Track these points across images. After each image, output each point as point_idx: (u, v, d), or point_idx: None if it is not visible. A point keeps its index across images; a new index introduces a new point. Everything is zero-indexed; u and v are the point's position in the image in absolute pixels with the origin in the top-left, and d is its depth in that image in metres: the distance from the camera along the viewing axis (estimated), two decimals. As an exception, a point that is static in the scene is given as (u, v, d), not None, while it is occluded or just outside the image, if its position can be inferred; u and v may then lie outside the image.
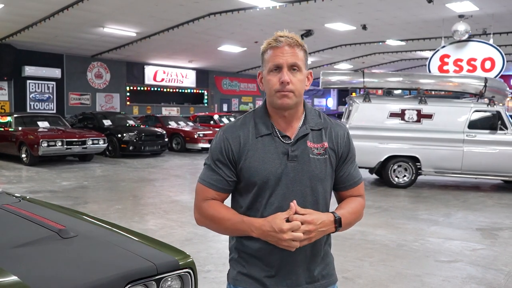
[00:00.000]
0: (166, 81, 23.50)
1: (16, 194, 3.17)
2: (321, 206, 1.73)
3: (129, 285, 1.91)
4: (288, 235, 1.56)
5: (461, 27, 13.58)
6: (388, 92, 10.67)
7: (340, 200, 1.84)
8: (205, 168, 1.78)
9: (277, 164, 1.68)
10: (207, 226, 1.78)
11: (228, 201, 1.82)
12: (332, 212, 1.69)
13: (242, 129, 1.74)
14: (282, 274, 1.72)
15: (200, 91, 25.46)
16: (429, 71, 14.35)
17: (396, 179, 9.57)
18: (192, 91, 25.04)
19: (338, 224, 1.67)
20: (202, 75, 25.28)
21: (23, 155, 12.53)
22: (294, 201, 1.62)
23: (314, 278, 1.76)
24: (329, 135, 1.75)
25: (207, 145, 16.22)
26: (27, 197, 3.14)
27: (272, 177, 1.68)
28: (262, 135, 1.71)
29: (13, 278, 1.78)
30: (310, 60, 21.30)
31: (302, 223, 1.58)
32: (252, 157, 1.70)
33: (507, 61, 14.29)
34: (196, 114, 21.65)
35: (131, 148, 14.53)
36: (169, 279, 2.06)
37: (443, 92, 11.04)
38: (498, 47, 13.88)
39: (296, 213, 1.60)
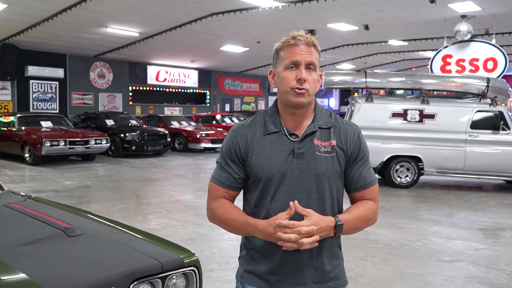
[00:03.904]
0: (168, 81, 23.52)
1: (22, 193, 3.20)
2: (328, 204, 1.72)
3: (135, 283, 1.93)
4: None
5: (463, 27, 13.57)
6: (390, 92, 10.68)
7: (352, 202, 1.82)
8: (217, 166, 1.83)
9: (282, 161, 1.70)
10: (217, 225, 1.82)
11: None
12: (335, 217, 1.67)
13: (250, 128, 1.78)
14: (286, 272, 1.72)
15: (202, 91, 25.48)
16: (431, 71, 14.34)
17: (398, 179, 9.58)
18: (194, 91, 25.06)
19: (338, 230, 1.65)
20: (205, 75, 25.29)
21: (26, 155, 12.57)
22: (296, 201, 1.61)
23: (322, 279, 1.75)
24: (338, 134, 1.75)
25: (210, 145, 16.26)
26: (33, 196, 3.17)
27: (276, 174, 1.70)
28: (269, 132, 1.74)
29: (22, 275, 1.81)
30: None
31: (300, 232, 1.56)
32: (258, 154, 1.73)
33: (509, 61, 14.27)
34: (198, 114, 21.67)
35: (133, 148, 14.56)
36: (174, 277, 2.08)
37: (445, 92, 11.03)
38: (500, 47, 13.86)
39: (296, 212, 1.60)
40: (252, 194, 1.78)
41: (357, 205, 1.77)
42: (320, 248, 1.71)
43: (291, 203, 1.61)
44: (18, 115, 13.80)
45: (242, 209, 1.81)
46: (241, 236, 1.86)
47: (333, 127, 1.76)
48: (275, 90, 1.79)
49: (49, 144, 12.08)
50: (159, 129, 15.89)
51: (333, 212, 1.72)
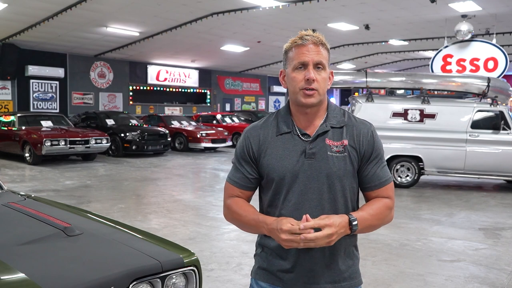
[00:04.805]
0: (169, 81, 23.52)
1: (21, 193, 3.19)
2: (340, 204, 1.72)
3: (135, 283, 1.92)
4: (285, 236, 1.58)
5: (464, 27, 13.57)
6: (390, 92, 10.67)
7: (368, 201, 1.81)
8: (232, 167, 1.86)
9: (294, 161, 1.71)
10: (233, 223, 1.85)
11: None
12: (348, 214, 1.67)
13: (263, 128, 1.80)
14: (299, 271, 1.73)
15: (202, 91, 25.47)
16: (432, 71, 14.33)
17: (399, 178, 9.57)
18: (194, 90, 25.06)
19: (353, 226, 1.64)
20: (205, 75, 25.29)
21: (27, 154, 12.57)
22: (307, 215, 1.61)
23: (335, 279, 1.75)
24: (350, 133, 1.75)
25: (210, 145, 16.25)
26: (32, 196, 3.16)
27: (288, 174, 1.71)
28: (282, 133, 1.75)
29: (21, 275, 1.80)
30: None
31: (323, 227, 1.57)
32: (270, 155, 1.74)
33: (510, 61, 14.26)
34: (198, 113, 21.67)
35: (134, 147, 14.56)
36: (174, 276, 2.08)
37: (446, 92, 11.03)
38: (501, 47, 13.86)
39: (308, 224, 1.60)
40: (265, 195, 1.80)
41: (372, 203, 1.76)
42: (335, 247, 1.71)
43: (304, 217, 1.60)
44: (19, 115, 13.78)
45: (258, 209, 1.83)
46: (246, 235, 1.87)
47: (346, 126, 1.76)
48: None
49: (49, 143, 12.08)
50: (159, 128, 15.88)
51: (347, 212, 1.72)
